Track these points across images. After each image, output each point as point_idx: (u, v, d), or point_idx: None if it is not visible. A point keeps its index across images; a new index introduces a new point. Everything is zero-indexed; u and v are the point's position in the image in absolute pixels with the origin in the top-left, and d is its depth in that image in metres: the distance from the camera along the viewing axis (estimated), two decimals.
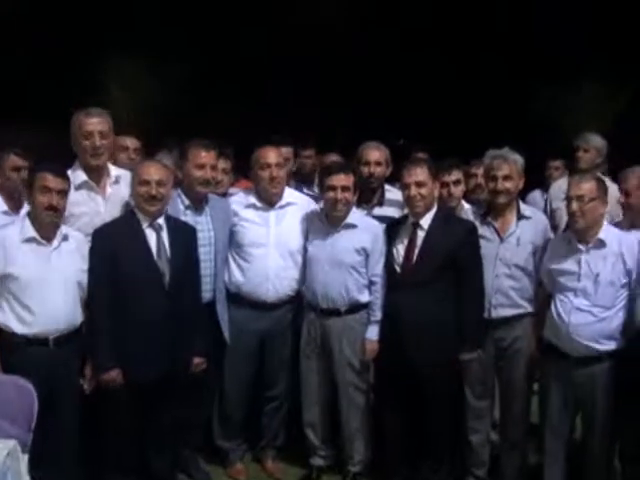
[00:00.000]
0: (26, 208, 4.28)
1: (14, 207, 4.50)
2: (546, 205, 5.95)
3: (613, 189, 5.78)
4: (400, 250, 4.47)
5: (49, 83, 9.45)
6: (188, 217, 4.50)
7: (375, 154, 5.07)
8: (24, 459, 3.46)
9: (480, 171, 4.77)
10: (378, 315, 4.52)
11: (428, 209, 4.44)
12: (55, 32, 9.23)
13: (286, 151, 5.28)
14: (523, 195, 5.19)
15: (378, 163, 5.05)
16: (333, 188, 4.48)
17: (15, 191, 4.52)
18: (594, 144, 5.88)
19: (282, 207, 4.70)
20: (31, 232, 3.95)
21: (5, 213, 4.47)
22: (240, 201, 4.72)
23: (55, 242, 4.00)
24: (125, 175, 4.42)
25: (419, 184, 4.38)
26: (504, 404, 4.55)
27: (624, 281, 4.02)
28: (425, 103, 9.12)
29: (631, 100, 8.94)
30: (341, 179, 4.49)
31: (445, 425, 4.46)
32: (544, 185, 6.34)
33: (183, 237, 4.31)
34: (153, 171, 4.19)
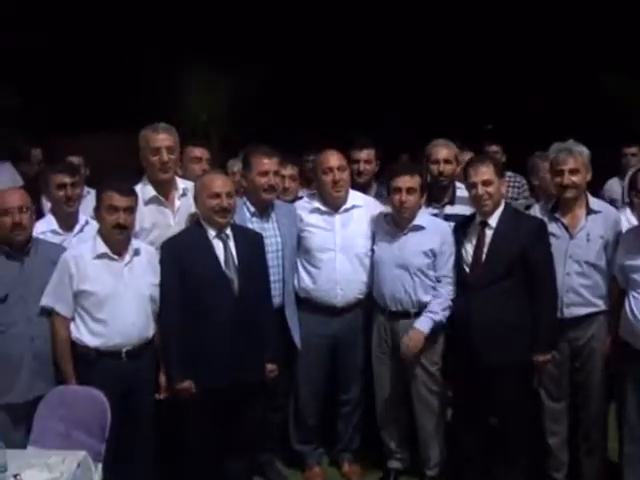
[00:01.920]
0: (79, 227, 4.44)
1: (66, 226, 4.47)
2: (624, 194, 5.71)
3: None
4: (469, 250, 4.39)
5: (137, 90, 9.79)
6: (254, 224, 4.55)
7: (444, 152, 4.97)
8: (97, 469, 3.60)
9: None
10: (436, 310, 4.42)
11: (496, 207, 4.35)
12: (135, 39, 9.54)
13: (368, 153, 5.23)
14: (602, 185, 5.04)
15: (447, 161, 4.95)
16: (398, 190, 4.43)
17: (62, 210, 4.46)
18: None
19: (347, 210, 4.69)
20: (103, 248, 4.05)
21: (54, 232, 4.42)
22: (305, 206, 4.74)
23: (127, 257, 4.09)
24: (191, 187, 4.47)
25: (486, 182, 4.29)
26: (582, 405, 4.42)
27: None
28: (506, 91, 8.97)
29: None
30: (406, 180, 4.43)
31: (520, 427, 4.36)
32: (621, 173, 6.09)
33: (250, 245, 4.35)
34: (222, 183, 4.23)
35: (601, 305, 4.27)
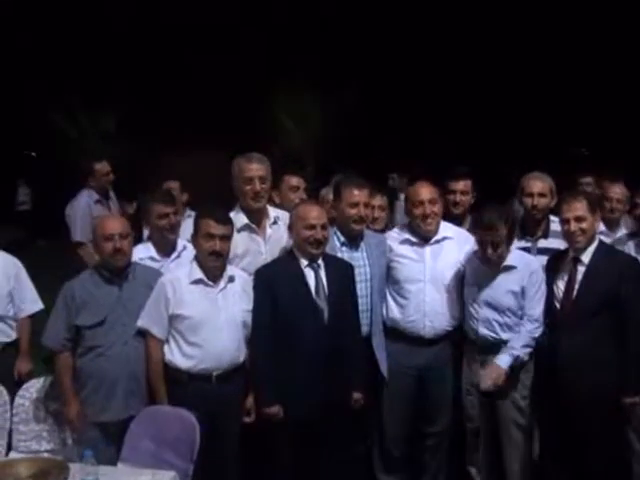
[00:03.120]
0: (176, 253, 4.59)
1: (164, 252, 4.61)
2: None
3: None
4: (560, 286, 4.35)
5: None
6: (344, 254, 4.61)
7: (538, 185, 4.93)
8: None
9: None
10: (516, 346, 4.34)
11: (589, 243, 4.28)
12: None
13: (465, 184, 5.21)
14: None
15: (542, 194, 4.91)
16: (484, 243, 4.37)
17: (163, 238, 4.61)
18: None
19: (438, 242, 4.69)
20: (199, 274, 4.18)
21: (152, 259, 4.57)
22: (395, 237, 4.77)
23: (221, 283, 4.21)
24: (283, 215, 4.62)
25: (579, 219, 4.24)
26: None
27: None
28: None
29: None
30: (491, 234, 4.32)
31: (608, 468, 4.24)
32: None
33: (340, 274, 4.42)
34: (317, 215, 4.30)
35: None
